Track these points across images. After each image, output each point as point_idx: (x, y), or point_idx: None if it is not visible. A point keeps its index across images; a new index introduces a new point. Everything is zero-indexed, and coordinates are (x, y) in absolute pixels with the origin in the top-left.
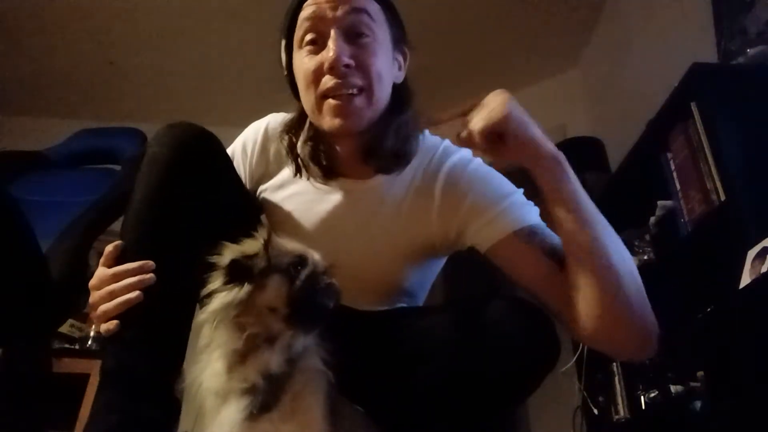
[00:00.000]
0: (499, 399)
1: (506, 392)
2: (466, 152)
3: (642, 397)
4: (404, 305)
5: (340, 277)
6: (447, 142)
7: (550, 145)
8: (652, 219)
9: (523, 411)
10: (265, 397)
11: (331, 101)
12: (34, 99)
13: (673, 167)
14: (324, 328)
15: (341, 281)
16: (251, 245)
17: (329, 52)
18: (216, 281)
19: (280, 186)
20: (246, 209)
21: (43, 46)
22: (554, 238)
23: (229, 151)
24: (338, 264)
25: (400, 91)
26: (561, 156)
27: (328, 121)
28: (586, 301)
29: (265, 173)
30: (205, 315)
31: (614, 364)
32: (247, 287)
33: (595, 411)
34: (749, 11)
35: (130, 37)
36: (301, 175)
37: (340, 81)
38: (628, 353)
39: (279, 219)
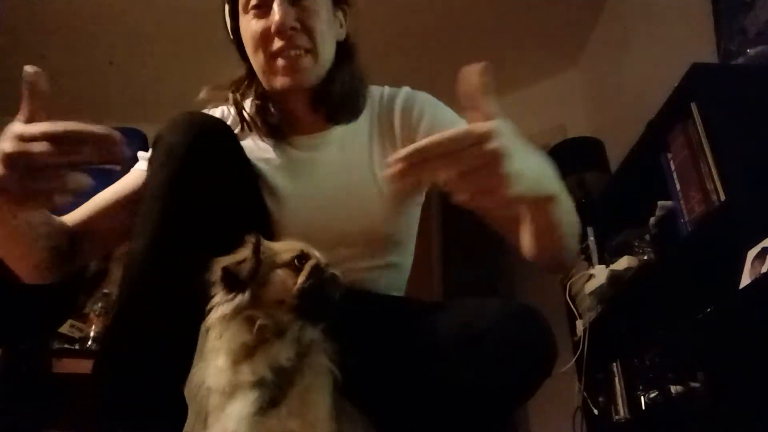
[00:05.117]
0: (496, 406)
1: (505, 399)
2: (408, 88)
3: (642, 397)
4: (395, 259)
5: (330, 234)
6: (387, 87)
7: (547, 185)
8: (652, 219)
9: (523, 411)
10: (274, 390)
11: (280, 61)
12: None
13: (673, 167)
14: (332, 323)
15: (332, 239)
16: (242, 253)
17: (275, 16)
18: (217, 295)
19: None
20: (257, 197)
21: (43, 46)
22: None
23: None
24: (325, 222)
25: (343, 48)
26: (556, 190)
27: (279, 80)
28: (537, 247)
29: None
30: (210, 322)
31: (614, 364)
32: (248, 291)
33: (595, 411)
34: (749, 11)
35: (131, 37)
36: (243, 129)
37: (287, 42)
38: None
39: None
